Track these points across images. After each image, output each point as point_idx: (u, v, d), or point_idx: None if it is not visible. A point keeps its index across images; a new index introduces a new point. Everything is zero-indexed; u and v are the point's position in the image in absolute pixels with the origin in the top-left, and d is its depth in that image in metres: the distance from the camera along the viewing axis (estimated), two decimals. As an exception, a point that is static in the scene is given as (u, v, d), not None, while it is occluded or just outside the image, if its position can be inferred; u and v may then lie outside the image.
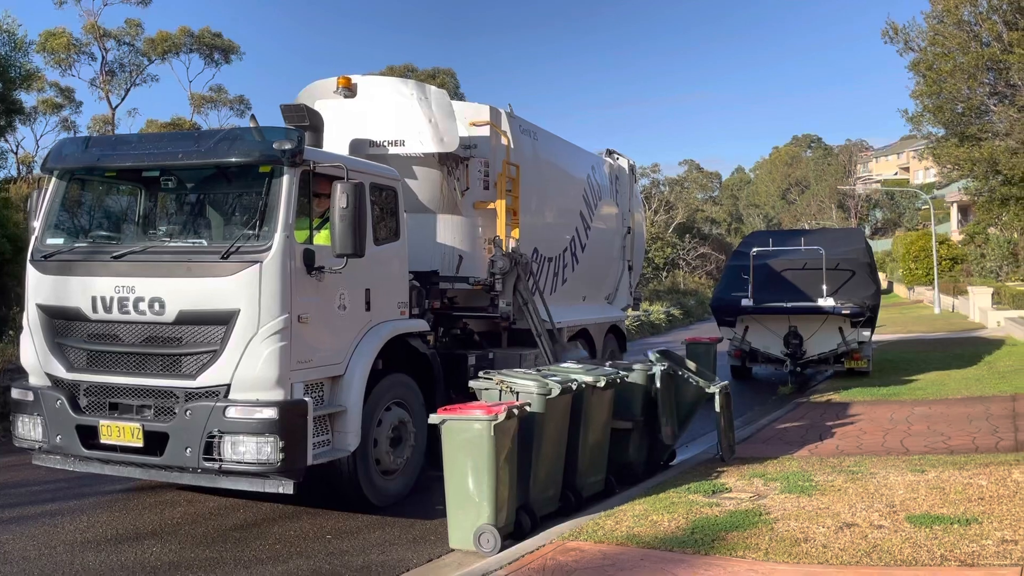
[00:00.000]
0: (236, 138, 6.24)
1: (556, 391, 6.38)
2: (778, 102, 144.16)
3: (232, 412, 5.82)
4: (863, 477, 6.91)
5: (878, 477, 6.86)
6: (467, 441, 5.86)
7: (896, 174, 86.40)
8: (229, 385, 5.88)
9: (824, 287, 14.36)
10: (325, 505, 6.81)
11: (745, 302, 14.78)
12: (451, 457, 5.93)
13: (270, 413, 5.76)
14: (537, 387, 6.40)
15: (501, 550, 5.69)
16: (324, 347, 6.30)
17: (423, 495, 7.18)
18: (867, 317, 14.43)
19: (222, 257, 5.94)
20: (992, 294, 29.02)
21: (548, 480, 6.58)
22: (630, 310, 14.08)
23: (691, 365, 8.32)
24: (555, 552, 5.45)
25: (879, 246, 64.82)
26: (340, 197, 5.99)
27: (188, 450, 5.87)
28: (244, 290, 5.86)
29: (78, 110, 32.64)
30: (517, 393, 6.45)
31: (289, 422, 5.81)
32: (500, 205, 8.65)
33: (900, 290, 53.57)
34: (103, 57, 31.46)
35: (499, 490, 5.84)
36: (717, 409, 7.98)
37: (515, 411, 5.97)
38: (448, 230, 8.43)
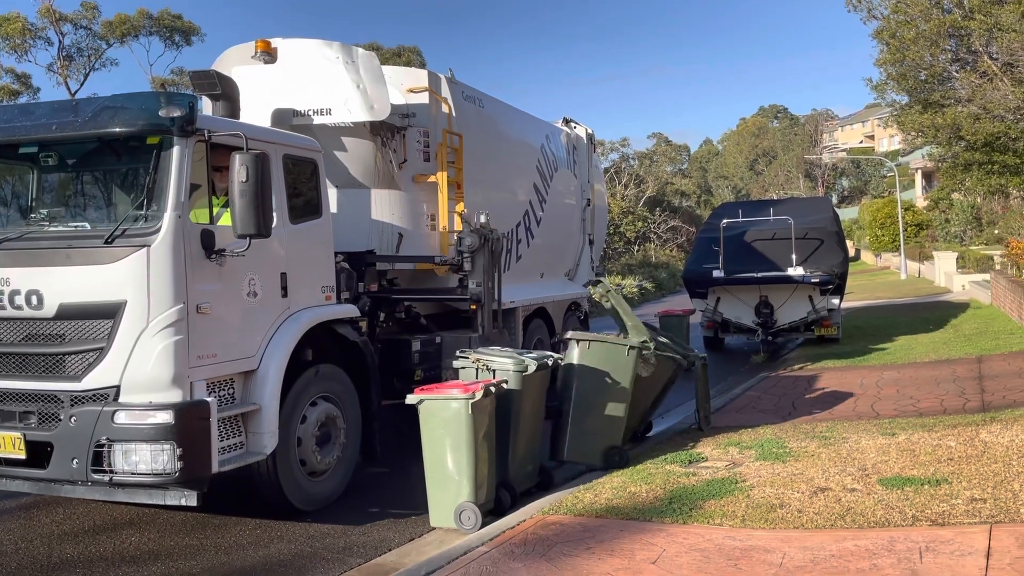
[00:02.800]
0: (119, 106, 5.48)
1: (532, 367, 6.40)
2: (744, 73, 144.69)
3: (122, 417, 5.15)
4: (835, 442, 7.03)
5: (850, 441, 6.99)
6: (445, 420, 5.87)
7: (861, 142, 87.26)
8: (118, 387, 5.23)
9: (793, 256, 14.53)
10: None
11: (716, 273, 14.92)
12: (430, 437, 5.94)
13: (165, 417, 5.10)
14: (514, 364, 6.42)
15: (482, 527, 5.73)
16: (231, 339, 5.64)
17: (402, 478, 7.20)
18: (836, 285, 14.64)
19: (105, 242, 5.27)
20: (957, 258, 29.54)
21: (526, 456, 6.62)
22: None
23: (665, 338, 8.40)
24: (535, 527, 5.50)
25: (846, 214, 65.51)
26: (239, 170, 5.28)
27: (75, 461, 5.19)
28: (131, 278, 5.21)
29: (36, 96, 31.86)
30: (494, 371, 6.47)
31: (188, 426, 5.12)
32: (441, 178, 8.28)
33: (867, 257, 54.34)
34: (60, 42, 30.68)
35: (478, 468, 5.87)
36: (696, 381, 8.04)
37: (492, 389, 5.99)
38: (385, 206, 8.09)
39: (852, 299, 25.38)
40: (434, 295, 8.59)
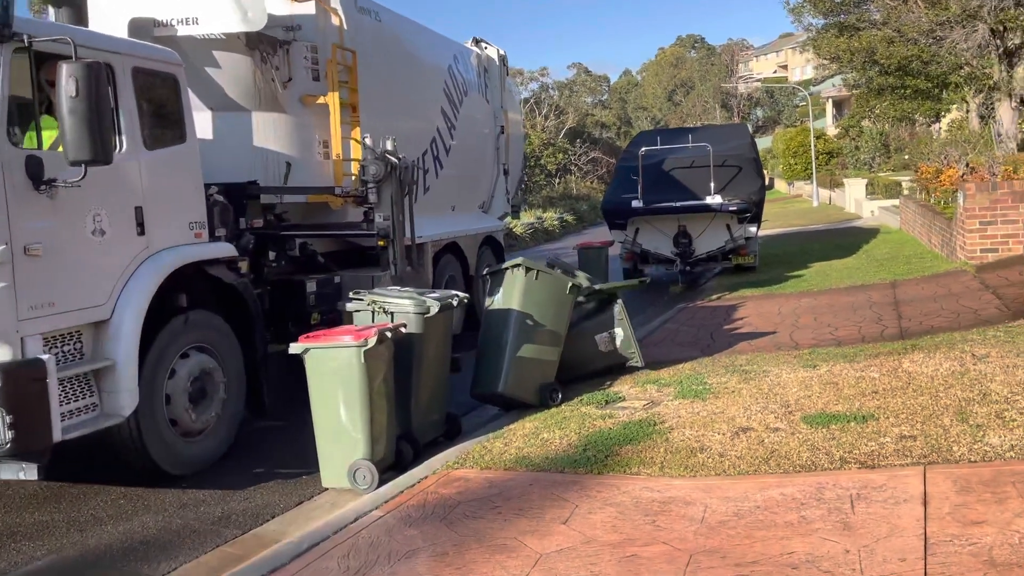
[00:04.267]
0: None
1: (435, 309, 5.80)
2: (663, 2, 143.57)
3: None
4: (756, 376, 6.71)
5: (771, 375, 6.67)
6: (335, 370, 5.24)
7: (775, 72, 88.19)
8: None
9: (712, 184, 14.20)
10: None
11: (635, 203, 14.50)
12: (318, 389, 5.31)
13: None
14: (414, 306, 5.81)
15: (379, 485, 5.18)
16: (74, 286, 4.90)
17: (296, 434, 6.56)
18: (753, 213, 14.43)
19: None
20: (866, 185, 30.02)
21: (431, 404, 6.07)
22: (511, 219, 13.53)
23: (581, 276, 7.88)
24: (437, 484, 4.98)
25: (760, 144, 66.19)
26: (66, 83, 4.45)
27: None
28: None
29: None
30: (391, 314, 5.85)
31: (18, 389, 4.39)
32: (333, 99, 7.45)
33: (781, 185, 55.23)
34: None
35: (375, 421, 5.29)
36: (621, 318, 7.54)
37: (388, 334, 5.37)
38: (269, 131, 7.25)
39: (767, 227, 25.51)
40: (335, 231, 7.85)
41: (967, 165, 15.85)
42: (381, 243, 7.41)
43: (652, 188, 14.55)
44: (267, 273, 7.28)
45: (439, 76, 9.82)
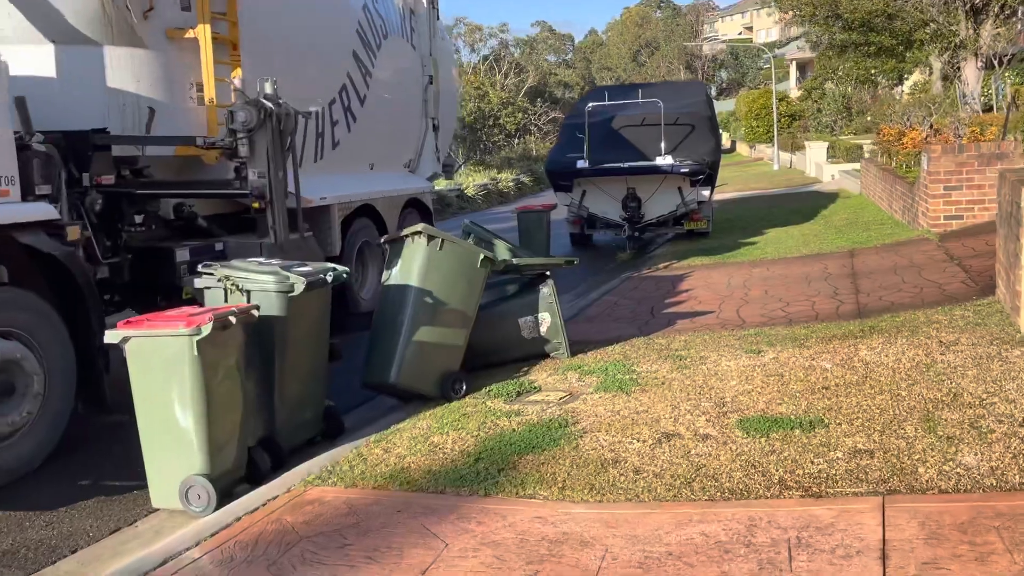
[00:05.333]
0: None
1: (301, 286, 4.75)
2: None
3: None
4: (692, 363, 5.79)
5: (709, 363, 5.76)
6: (164, 364, 4.20)
7: (740, 34, 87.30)
8: None
9: (662, 144, 13.23)
10: None
11: (580, 164, 13.49)
12: (144, 386, 4.27)
13: None
14: (275, 283, 4.75)
15: (220, 505, 4.18)
16: None
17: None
18: (707, 175, 13.49)
19: None
20: (827, 148, 29.31)
21: (302, 400, 5.05)
22: (444, 180, 12.43)
23: (502, 247, 6.85)
24: (285, 509, 3.99)
25: (724, 107, 65.56)
26: None
27: None
28: None
29: None
30: (248, 291, 4.79)
31: None
32: (204, 32, 6.26)
33: (743, 149, 54.60)
34: None
35: (216, 425, 4.27)
36: (550, 301, 6.51)
37: (231, 318, 4.32)
38: (126, 70, 6.09)
39: (725, 191, 24.74)
40: (204, 189, 6.71)
41: (931, 127, 15.08)
42: (256, 205, 6.31)
43: (599, 148, 13.54)
44: (128, 240, 6.17)
45: (350, 14, 8.62)
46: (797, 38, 62.08)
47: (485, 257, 5.87)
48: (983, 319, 6.06)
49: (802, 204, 19.25)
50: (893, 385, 4.71)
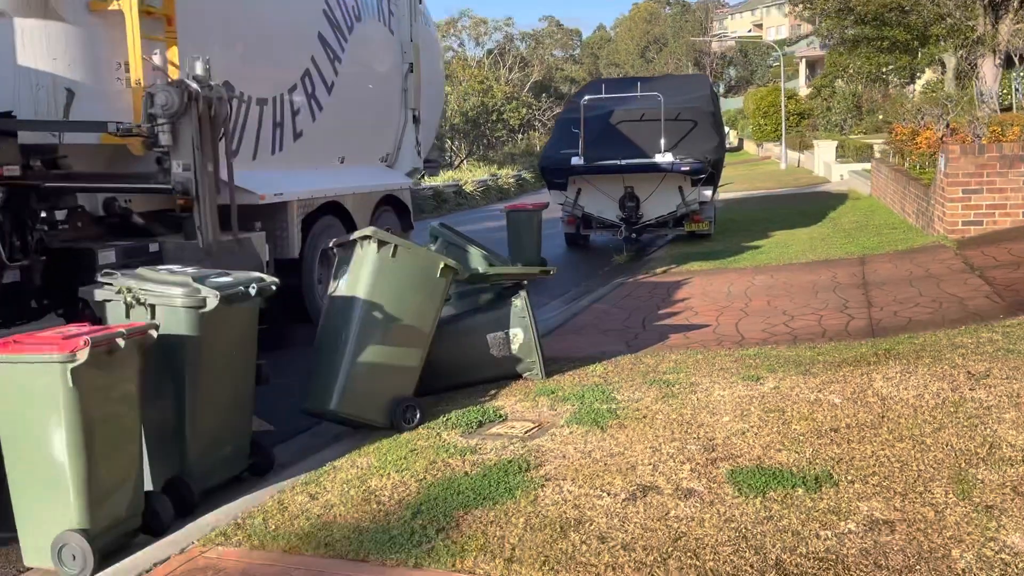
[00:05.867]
0: None
1: (214, 301, 4.02)
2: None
3: None
4: (681, 391, 5.05)
5: (700, 390, 5.01)
6: (34, 395, 3.47)
7: (750, 31, 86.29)
8: None
9: (662, 141, 12.46)
10: None
11: (575, 160, 12.73)
12: (10, 422, 3.55)
13: None
14: (184, 296, 4.02)
15: (100, 568, 3.46)
16: None
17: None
18: (709, 174, 12.71)
19: None
20: (836, 147, 28.49)
21: (222, 433, 4.32)
22: (427, 176, 11.67)
23: (476, 253, 6.11)
24: (170, 579, 3.26)
25: (732, 104, 64.66)
26: None
27: None
28: None
29: None
30: (152, 306, 4.07)
31: None
32: (129, 5, 5.51)
33: (750, 147, 53.74)
34: None
35: (100, 468, 3.55)
36: (523, 315, 5.76)
37: (119, 340, 3.59)
38: (40, 45, 5.38)
39: (731, 190, 23.96)
40: (130, 182, 5.96)
41: (947, 126, 14.27)
42: (180, 202, 5.57)
43: (595, 144, 12.78)
44: (41, 239, 5.44)
45: (316, -8, 7.85)
46: (807, 36, 61.16)
47: (446, 265, 5.13)
48: (1015, 344, 5.30)
49: (810, 205, 18.47)
50: (915, 429, 3.96)
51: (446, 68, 55.90)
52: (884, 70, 21.79)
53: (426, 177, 12.34)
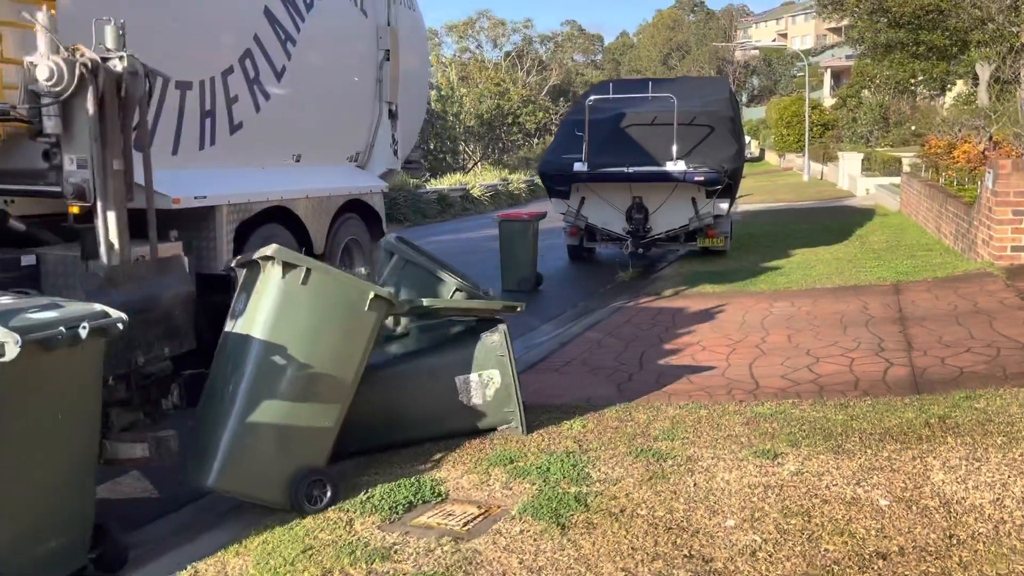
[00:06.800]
0: None
1: (14, 349, 2.87)
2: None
3: None
4: (674, 470, 3.87)
5: (698, 471, 3.83)
6: None
7: (774, 40, 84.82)
8: None
9: (675, 147, 11.28)
10: None
11: (578, 167, 11.57)
12: None
13: None
14: (-26, 339, 2.89)
15: None
16: None
17: None
18: (726, 185, 11.49)
19: None
20: (862, 160, 27.18)
21: (44, 519, 3.18)
22: (408, 178, 10.54)
23: (448, 278, 4.94)
24: None
25: (754, 114, 63.26)
26: None
27: None
28: None
29: None
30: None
31: None
32: None
33: (772, 157, 52.37)
34: None
35: None
36: (501, 354, 4.61)
37: None
38: None
39: (750, 201, 22.72)
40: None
41: (990, 138, 12.99)
42: (74, 209, 4.45)
43: (601, 149, 11.62)
44: None
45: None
46: (833, 46, 59.68)
47: (376, 295, 3.97)
48: (1112, 417, 4.08)
49: (834, 220, 17.22)
50: (1002, 566, 2.75)
51: (462, 69, 55.14)
52: (915, 79, 20.49)
53: (430, 180, 11.17)
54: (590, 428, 4.68)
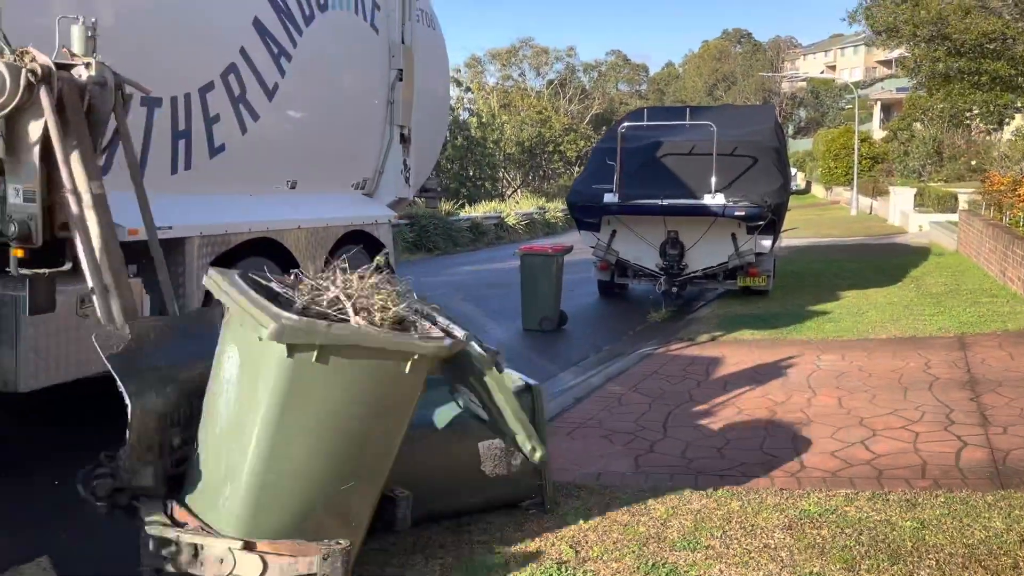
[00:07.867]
0: None
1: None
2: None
3: None
4: (693, 598, 2.99)
5: (725, 603, 2.95)
6: None
7: (823, 72, 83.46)
8: None
9: (713, 179, 10.41)
10: None
11: (608, 198, 10.77)
12: None
13: None
14: None
15: None
16: None
17: None
18: (768, 220, 10.57)
19: None
20: (915, 195, 25.98)
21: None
22: (485, 206, 9.80)
23: (472, 345, 4.11)
24: None
25: (800, 146, 61.97)
26: None
27: None
28: None
29: None
30: None
31: None
32: None
33: (818, 190, 51.11)
34: None
35: None
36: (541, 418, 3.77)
37: None
38: None
39: (795, 235, 21.66)
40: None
41: (1063, 176, 11.89)
42: (18, 252, 3.77)
43: (634, 179, 10.81)
44: None
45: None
46: (884, 79, 58.19)
47: (420, 355, 3.06)
48: None
49: (886, 259, 16.16)
50: None
51: (505, 97, 54.83)
52: (972, 111, 19.36)
53: (466, 207, 10.42)
54: (590, 530, 3.81)
